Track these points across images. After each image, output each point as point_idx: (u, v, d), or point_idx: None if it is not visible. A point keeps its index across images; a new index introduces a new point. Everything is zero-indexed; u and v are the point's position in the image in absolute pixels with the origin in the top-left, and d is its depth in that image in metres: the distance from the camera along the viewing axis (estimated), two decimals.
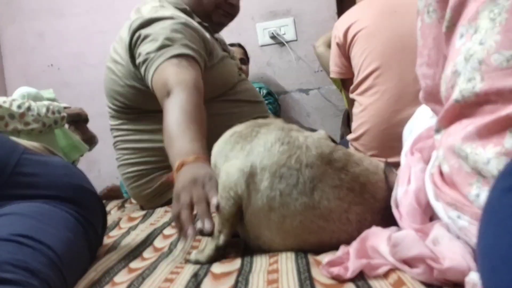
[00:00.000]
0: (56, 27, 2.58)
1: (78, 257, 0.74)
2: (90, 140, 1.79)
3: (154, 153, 1.40)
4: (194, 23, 1.39)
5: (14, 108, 1.40)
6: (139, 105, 1.40)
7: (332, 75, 1.62)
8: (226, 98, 1.45)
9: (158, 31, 1.28)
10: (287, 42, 2.38)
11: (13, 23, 2.63)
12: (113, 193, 1.91)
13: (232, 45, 2.31)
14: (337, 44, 1.52)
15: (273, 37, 2.39)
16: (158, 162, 1.38)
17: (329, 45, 1.87)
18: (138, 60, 1.29)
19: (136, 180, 1.43)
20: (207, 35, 1.42)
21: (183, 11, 1.43)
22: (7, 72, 2.66)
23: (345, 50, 1.50)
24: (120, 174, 1.49)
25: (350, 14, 1.53)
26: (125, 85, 1.38)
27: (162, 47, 1.25)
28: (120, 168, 1.47)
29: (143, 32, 1.30)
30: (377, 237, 0.62)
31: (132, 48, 1.32)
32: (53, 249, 0.65)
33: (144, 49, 1.28)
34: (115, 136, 1.49)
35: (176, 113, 1.10)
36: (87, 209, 0.82)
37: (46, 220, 0.71)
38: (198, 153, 0.95)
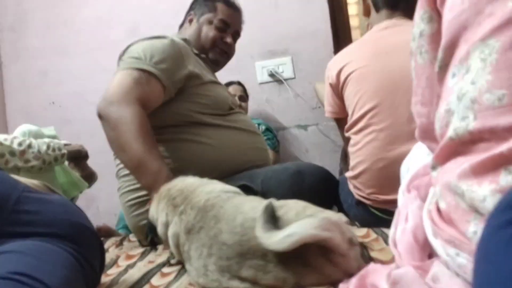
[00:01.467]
0: (59, 65, 2.63)
1: None
2: (90, 177, 1.79)
3: None
4: (187, 46, 1.52)
5: (15, 145, 1.41)
6: None
7: (327, 114, 1.64)
8: (225, 124, 1.49)
9: (138, 46, 1.42)
10: (285, 80, 2.42)
11: (17, 61, 2.68)
12: (103, 233, 1.88)
13: (231, 83, 2.37)
14: (330, 84, 1.54)
15: (271, 75, 2.44)
16: None
17: None
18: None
19: (136, 208, 1.43)
20: (199, 60, 1.55)
21: (184, 40, 1.54)
22: (8, 109, 2.69)
23: (338, 90, 1.52)
24: (122, 204, 1.49)
25: (343, 56, 1.56)
26: None
27: (133, 57, 1.38)
28: (122, 197, 1.48)
29: (130, 47, 1.45)
30: (377, 274, 0.62)
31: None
32: None
33: (122, 58, 1.42)
34: (117, 164, 1.51)
35: (132, 131, 1.23)
36: (85, 247, 0.82)
37: (45, 258, 0.71)
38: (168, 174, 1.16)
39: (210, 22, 1.65)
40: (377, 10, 1.57)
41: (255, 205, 0.79)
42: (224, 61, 1.73)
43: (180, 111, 1.44)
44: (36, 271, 0.65)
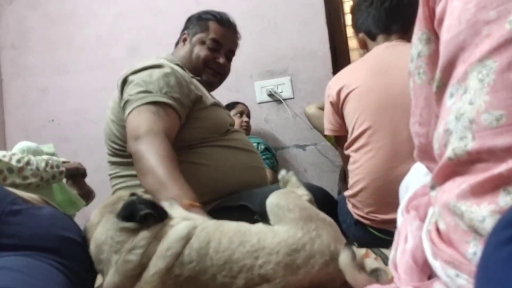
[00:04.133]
0: (59, 83, 2.64)
1: None
2: (87, 195, 1.79)
3: None
4: (183, 72, 1.49)
5: (13, 162, 1.41)
6: None
7: (327, 132, 1.65)
8: (221, 144, 1.49)
9: (143, 77, 1.39)
10: (284, 99, 2.43)
11: (17, 78, 2.69)
12: None
13: (237, 103, 2.39)
14: (331, 102, 1.55)
15: (270, 94, 2.46)
16: None
17: (320, 108, 1.98)
18: (122, 102, 1.39)
19: None
20: (197, 83, 1.52)
21: (176, 65, 1.52)
22: (7, 126, 2.69)
23: (338, 108, 1.53)
24: None
25: (343, 75, 1.58)
26: (119, 127, 1.46)
27: (143, 92, 1.35)
28: None
29: (130, 78, 1.41)
30: None
31: (121, 94, 1.42)
32: None
33: (127, 91, 1.38)
34: (113, 185, 1.50)
35: (157, 158, 1.18)
36: (72, 260, 0.80)
37: (35, 274, 0.70)
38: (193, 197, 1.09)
39: (202, 42, 1.62)
40: (373, 38, 1.60)
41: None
42: (218, 82, 1.70)
43: (181, 137, 1.42)
44: (22, 286, 0.65)
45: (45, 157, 1.54)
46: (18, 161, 1.42)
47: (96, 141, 2.36)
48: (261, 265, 0.73)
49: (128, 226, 0.78)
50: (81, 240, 0.87)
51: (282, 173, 1.01)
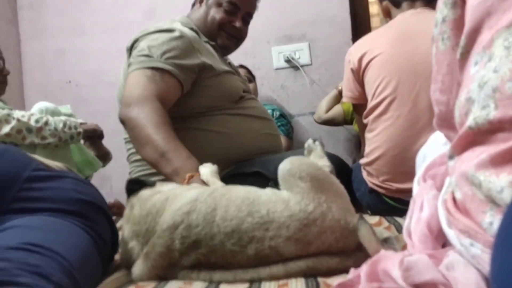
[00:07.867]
0: (77, 44, 2.65)
1: (89, 263, 0.75)
2: (104, 157, 1.81)
3: None
4: (196, 37, 1.47)
5: (32, 122, 1.43)
6: None
7: (345, 99, 1.63)
8: (235, 112, 1.48)
9: (149, 42, 1.38)
10: (301, 66, 2.40)
11: (34, 39, 2.70)
12: (116, 210, 1.90)
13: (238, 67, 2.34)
14: (352, 69, 1.53)
15: (288, 60, 2.42)
16: None
17: (326, 110, 2.14)
18: (127, 65, 1.41)
19: None
20: (211, 49, 1.50)
21: (190, 29, 1.50)
22: (26, 87, 2.72)
23: (359, 75, 1.51)
24: None
25: (365, 41, 1.55)
26: None
27: (144, 55, 1.35)
28: None
29: (138, 42, 1.41)
30: (389, 261, 0.61)
31: (129, 57, 1.43)
32: (63, 256, 0.66)
33: (133, 54, 1.39)
34: (128, 149, 1.52)
35: (153, 126, 1.20)
36: (95, 223, 0.82)
37: (54, 230, 0.72)
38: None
39: (219, 4, 1.55)
40: (397, 5, 1.55)
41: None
42: (233, 46, 1.65)
43: (192, 104, 1.42)
44: (46, 241, 0.67)
45: (63, 118, 1.55)
46: (37, 121, 1.44)
47: (113, 104, 2.36)
48: (272, 237, 0.73)
49: None
50: (103, 206, 0.89)
51: (309, 141, 1.00)
